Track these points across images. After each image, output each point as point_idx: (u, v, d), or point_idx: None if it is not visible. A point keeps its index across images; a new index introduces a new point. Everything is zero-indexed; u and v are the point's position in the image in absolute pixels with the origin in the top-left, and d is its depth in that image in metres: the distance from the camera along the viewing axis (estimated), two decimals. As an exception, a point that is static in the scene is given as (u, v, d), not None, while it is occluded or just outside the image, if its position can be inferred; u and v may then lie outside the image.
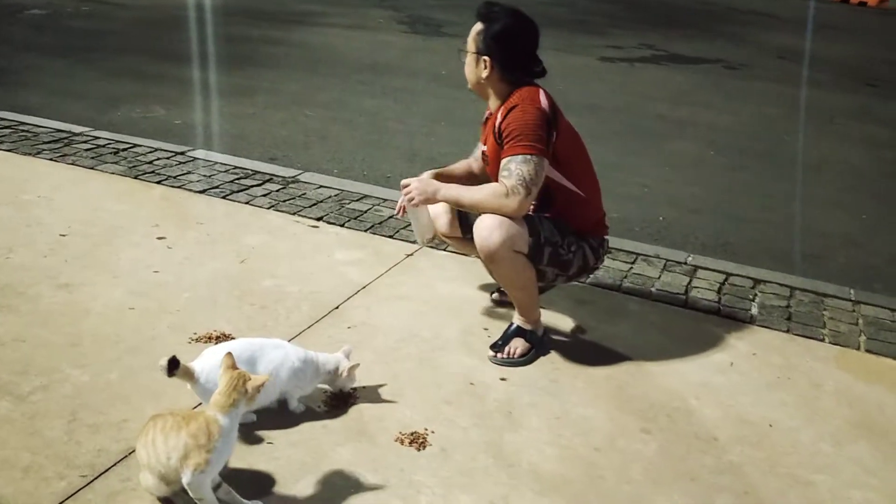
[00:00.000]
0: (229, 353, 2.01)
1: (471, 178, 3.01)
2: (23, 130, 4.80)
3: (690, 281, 3.58)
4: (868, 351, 3.10)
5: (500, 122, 2.69)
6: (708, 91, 8.45)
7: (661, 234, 4.45)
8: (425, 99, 7.10)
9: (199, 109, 6.12)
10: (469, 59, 2.77)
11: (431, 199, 2.79)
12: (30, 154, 4.40)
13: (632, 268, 3.67)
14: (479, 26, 2.74)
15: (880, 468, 2.40)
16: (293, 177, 4.45)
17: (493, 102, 2.80)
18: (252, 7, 10.72)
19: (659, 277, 3.59)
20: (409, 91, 7.27)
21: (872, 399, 2.77)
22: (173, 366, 2.06)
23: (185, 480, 1.86)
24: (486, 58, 2.71)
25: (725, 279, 3.64)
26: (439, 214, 3.06)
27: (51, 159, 4.34)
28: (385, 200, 4.19)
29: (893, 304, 3.51)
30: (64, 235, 3.42)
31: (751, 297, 3.49)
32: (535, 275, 2.77)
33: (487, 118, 2.90)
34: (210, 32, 9.07)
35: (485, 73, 2.74)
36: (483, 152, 2.93)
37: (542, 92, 2.70)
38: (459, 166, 3.09)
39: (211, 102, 6.40)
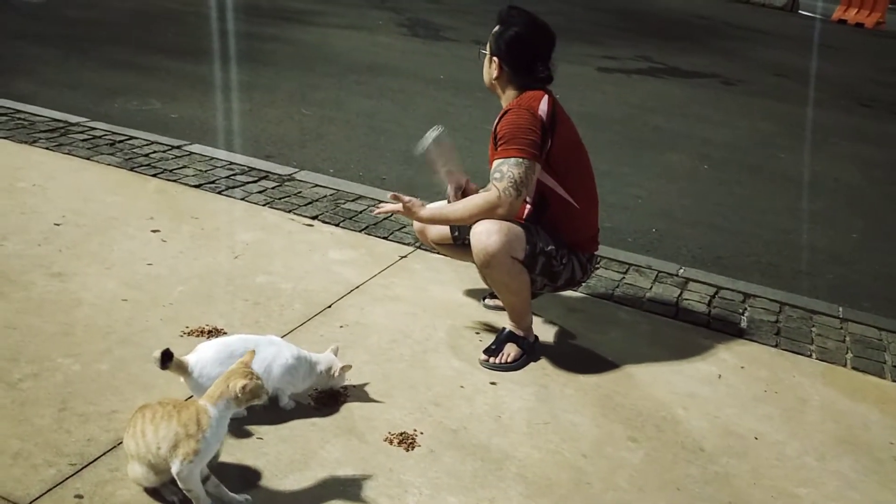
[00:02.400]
0: (252, 351, 2.03)
1: None
2: (19, 118, 4.79)
3: (681, 293, 3.61)
4: (854, 368, 3.13)
5: (496, 124, 2.72)
6: (704, 105, 8.50)
7: (653, 245, 4.48)
8: (422, 102, 7.11)
9: (196, 104, 6.12)
10: (486, 59, 2.83)
11: (415, 217, 2.81)
12: (25, 142, 4.39)
13: (624, 278, 3.69)
14: (496, 28, 2.80)
15: (862, 482, 2.43)
16: (289, 175, 4.46)
17: (503, 103, 2.84)
18: (250, 3, 10.71)
19: (650, 288, 3.61)
20: (407, 93, 7.29)
21: (857, 415, 2.80)
22: (167, 358, 2.06)
23: (174, 470, 1.86)
24: (496, 59, 2.76)
25: (716, 292, 3.67)
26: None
27: (47, 148, 4.33)
28: (380, 202, 4.20)
29: (880, 323, 3.55)
30: (58, 225, 3.42)
31: (740, 310, 3.52)
32: (528, 281, 2.79)
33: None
34: (207, 27, 9.06)
35: (494, 74, 2.79)
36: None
37: (546, 98, 2.73)
38: None
39: (208, 97, 6.39)
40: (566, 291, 3.33)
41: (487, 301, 3.26)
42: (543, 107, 2.70)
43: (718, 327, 3.33)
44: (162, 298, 2.94)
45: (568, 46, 10.24)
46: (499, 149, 2.69)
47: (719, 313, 3.46)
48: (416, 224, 3.16)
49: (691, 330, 3.29)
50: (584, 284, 3.47)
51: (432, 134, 2.85)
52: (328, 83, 7.32)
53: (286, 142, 5.50)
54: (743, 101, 8.89)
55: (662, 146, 6.69)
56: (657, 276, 3.76)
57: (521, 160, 2.63)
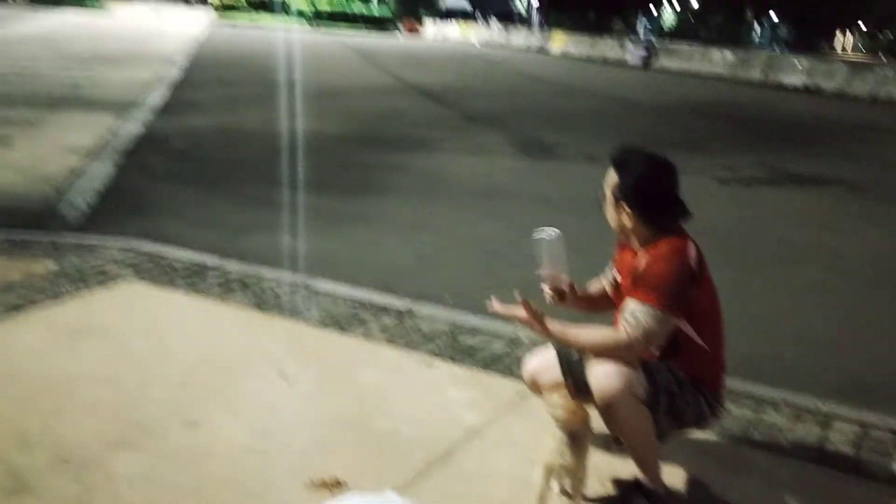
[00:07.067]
0: None
1: (606, 300, 3.03)
2: (159, 261, 5.11)
3: (823, 432, 3.35)
4: None
5: (644, 265, 2.67)
6: (832, 213, 8.16)
7: (788, 374, 4.22)
8: (538, 223, 7.14)
9: (321, 236, 6.39)
10: (608, 205, 2.80)
11: (538, 327, 2.77)
12: (163, 284, 4.68)
13: (757, 415, 3.47)
14: (614, 176, 2.77)
15: None
16: (407, 308, 4.53)
17: (637, 244, 2.79)
18: (370, 135, 11.28)
19: (788, 427, 3.38)
20: (522, 216, 7.36)
21: None
22: None
23: None
24: (626, 209, 2.73)
25: (864, 431, 3.38)
26: (547, 368, 3.00)
27: (183, 290, 4.60)
28: (498, 336, 4.19)
29: None
30: (192, 371, 3.58)
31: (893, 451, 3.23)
32: (653, 423, 2.68)
33: (624, 245, 2.90)
34: (331, 159, 9.56)
35: (628, 223, 2.75)
36: (615, 279, 2.93)
37: (690, 245, 2.68)
38: (595, 287, 3.10)
39: (331, 229, 6.67)
40: (696, 433, 3.17)
41: (614, 446, 3.13)
42: (693, 255, 2.65)
43: (869, 473, 3.05)
44: (287, 447, 2.99)
45: (678, 157, 10.10)
46: (639, 290, 2.64)
47: (869, 457, 3.18)
48: (526, 373, 3.09)
49: (838, 477, 3.03)
50: (713, 424, 3.29)
51: (550, 234, 2.89)
52: (444, 209, 7.51)
53: (405, 271, 5.63)
54: (875, 208, 8.47)
55: (789, 259, 6.42)
56: (794, 411, 3.52)
57: (659, 313, 2.58)
